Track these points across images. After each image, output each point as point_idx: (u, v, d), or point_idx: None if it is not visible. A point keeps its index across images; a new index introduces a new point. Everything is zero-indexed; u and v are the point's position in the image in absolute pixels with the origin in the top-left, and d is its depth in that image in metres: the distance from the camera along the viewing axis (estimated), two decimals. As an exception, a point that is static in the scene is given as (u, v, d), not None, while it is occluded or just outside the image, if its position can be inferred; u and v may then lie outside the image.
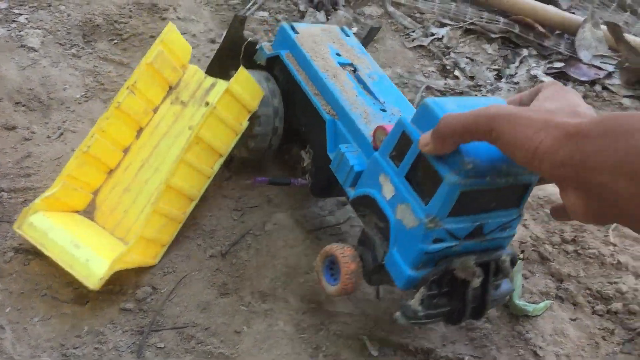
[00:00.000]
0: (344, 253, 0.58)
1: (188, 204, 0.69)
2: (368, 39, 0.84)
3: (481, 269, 0.54)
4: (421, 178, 0.52)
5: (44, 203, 0.66)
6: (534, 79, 1.18)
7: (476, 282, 0.54)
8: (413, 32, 1.24)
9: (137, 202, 0.70)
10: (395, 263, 0.54)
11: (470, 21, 1.29)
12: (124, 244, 0.67)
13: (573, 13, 1.35)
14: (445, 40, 1.25)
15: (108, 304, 0.63)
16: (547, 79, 1.18)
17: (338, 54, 0.73)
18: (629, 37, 1.26)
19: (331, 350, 0.63)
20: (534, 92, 0.55)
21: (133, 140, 0.74)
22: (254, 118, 0.72)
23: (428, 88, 1.10)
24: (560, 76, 1.20)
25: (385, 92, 0.69)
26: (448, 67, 1.18)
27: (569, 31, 1.30)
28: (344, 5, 1.25)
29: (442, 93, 1.11)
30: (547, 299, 0.73)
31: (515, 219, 0.56)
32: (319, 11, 1.21)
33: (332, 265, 0.60)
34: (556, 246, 0.81)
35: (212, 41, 1.06)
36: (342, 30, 0.79)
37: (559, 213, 0.58)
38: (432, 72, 1.17)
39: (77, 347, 0.59)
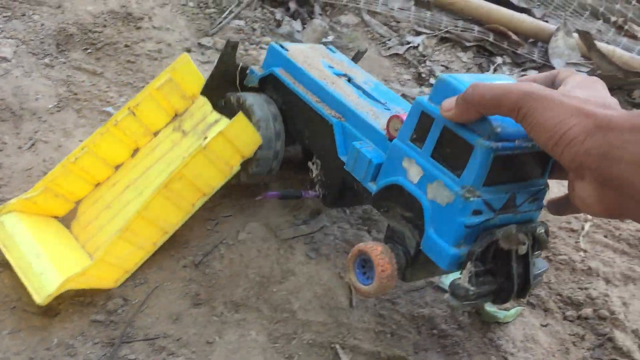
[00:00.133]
0: (377, 250, 0.56)
1: (160, 236, 0.68)
2: (355, 61, 0.85)
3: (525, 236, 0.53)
4: (449, 152, 0.52)
5: (19, 204, 0.66)
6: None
7: (523, 249, 0.53)
8: (389, 40, 1.25)
9: (113, 221, 0.70)
10: (434, 244, 0.53)
11: (446, 30, 1.30)
12: (90, 259, 0.67)
13: (546, 22, 1.37)
14: (420, 48, 1.26)
15: (78, 316, 0.63)
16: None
17: (330, 67, 0.74)
18: (601, 45, 1.28)
19: (303, 359, 0.63)
20: (549, 77, 0.55)
21: (127, 159, 0.74)
22: None
23: (404, 96, 1.11)
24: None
25: (383, 95, 0.70)
26: (423, 75, 1.19)
27: (543, 39, 1.32)
28: (320, 14, 1.26)
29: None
30: (518, 306, 0.73)
31: (542, 189, 0.56)
32: (295, 20, 1.21)
33: (364, 264, 0.58)
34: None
35: (188, 50, 1.06)
36: (329, 48, 0.80)
37: (557, 207, 0.57)
38: (408, 80, 1.18)
39: (46, 360, 0.59)
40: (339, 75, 0.72)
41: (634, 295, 0.80)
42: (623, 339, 0.73)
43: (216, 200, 0.78)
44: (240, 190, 0.80)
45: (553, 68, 1.25)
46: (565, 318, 0.75)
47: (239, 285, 0.68)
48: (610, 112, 0.41)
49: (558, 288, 0.78)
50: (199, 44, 1.08)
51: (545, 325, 0.73)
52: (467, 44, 1.29)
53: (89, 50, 0.98)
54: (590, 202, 0.44)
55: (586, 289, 0.79)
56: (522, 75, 1.24)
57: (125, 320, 0.63)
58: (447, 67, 1.23)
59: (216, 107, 0.76)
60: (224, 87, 0.77)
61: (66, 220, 0.72)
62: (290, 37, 1.17)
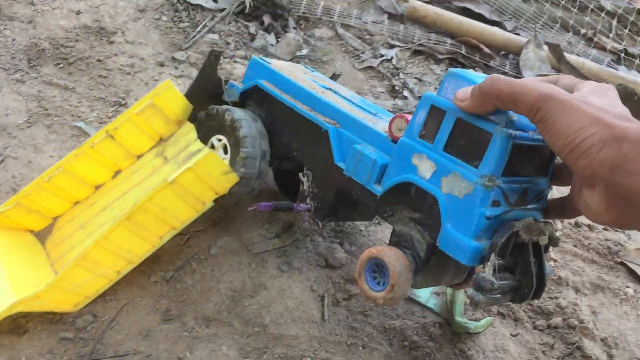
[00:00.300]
0: (390, 254, 0.54)
1: (124, 265, 0.66)
2: None
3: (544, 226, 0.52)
4: (464, 144, 0.51)
5: None
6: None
7: (544, 239, 0.52)
8: (363, 53, 1.26)
9: (84, 242, 0.69)
10: (453, 239, 0.51)
11: (419, 42, 1.31)
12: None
13: (518, 34, 1.39)
14: (394, 61, 1.27)
15: (47, 334, 0.62)
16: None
17: (314, 81, 0.74)
18: (570, 57, 1.30)
19: (275, 373, 0.63)
20: (550, 81, 0.54)
21: (108, 180, 0.74)
22: (239, 160, 0.68)
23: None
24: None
25: (370, 107, 0.70)
26: (397, 88, 1.20)
27: (514, 52, 1.34)
28: (294, 28, 1.27)
29: (392, 113, 1.13)
30: (488, 316, 0.74)
31: (546, 189, 0.55)
32: (269, 34, 1.22)
33: (375, 269, 0.56)
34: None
35: (161, 64, 1.06)
36: (306, 66, 0.81)
37: (557, 209, 0.56)
38: (382, 92, 1.19)
39: (14, 379, 0.58)
40: (324, 88, 0.72)
41: (603, 303, 0.82)
42: (592, 348, 0.74)
43: (188, 214, 0.78)
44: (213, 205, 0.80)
45: (524, 80, 1.26)
46: (535, 327, 0.75)
47: (210, 300, 0.68)
48: (628, 124, 0.42)
49: (528, 298, 0.79)
50: (173, 58, 1.08)
51: (516, 335, 0.73)
52: (440, 57, 1.30)
53: (61, 65, 0.97)
54: (598, 211, 0.45)
55: (556, 298, 0.80)
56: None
57: (95, 337, 0.62)
58: (420, 80, 1.25)
59: (194, 121, 0.75)
60: (203, 100, 0.75)
61: (42, 235, 0.71)
62: (264, 50, 1.17)
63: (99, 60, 1.00)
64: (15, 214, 0.68)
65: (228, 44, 1.16)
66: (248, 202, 0.82)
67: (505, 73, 1.29)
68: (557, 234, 0.91)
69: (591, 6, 1.48)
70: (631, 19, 1.50)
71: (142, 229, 0.64)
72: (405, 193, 0.56)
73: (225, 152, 0.71)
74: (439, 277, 0.59)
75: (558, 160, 0.55)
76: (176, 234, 0.75)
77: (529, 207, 0.54)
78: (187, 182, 0.64)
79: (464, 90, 0.50)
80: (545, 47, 1.31)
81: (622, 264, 0.89)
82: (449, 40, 1.34)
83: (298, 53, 1.19)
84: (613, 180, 0.42)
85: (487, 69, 1.30)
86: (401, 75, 1.24)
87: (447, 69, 1.29)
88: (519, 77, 1.28)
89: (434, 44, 1.32)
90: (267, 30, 1.23)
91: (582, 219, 0.96)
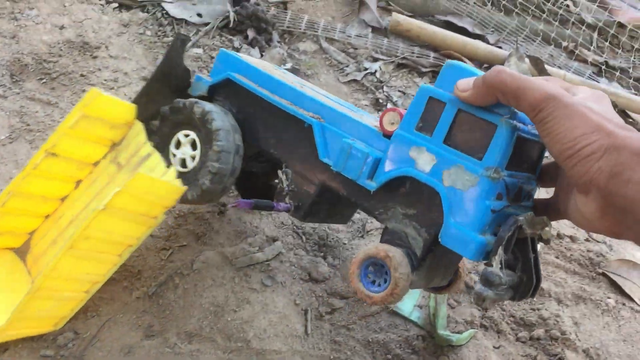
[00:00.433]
0: (391, 252, 0.52)
1: (89, 286, 0.64)
2: None
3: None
4: (466, 136, 0.51)
5: None
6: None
7: (547, 233, 0.51)
8: (347, 67, 1.27)
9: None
10: (458, 234, 0.50)
11: (402, 56, 1.33)
12: None
13: (500, 47, 1.41)
14: (378, 74, 1.28)
15: (28, 352, 0.62)
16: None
17: (287, 77, 0.71)
18: (552, 69, 1.31)
19: (257, 388, 0.63)
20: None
21: (71, 190, 0.71)
22: (212, 154, 0.64)
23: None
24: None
25: (343, 103, 0.69)
26: (381, 101, 1.21)
27: (496, 64, 1.35)
28: (278, 42, 1.28)
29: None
30: (471, 328, 0.74)
31: (534, 189, 0.55)
32: (253, 48, 1.22)
33: (371, 270, 0.54)
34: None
35: (145, 79, 1.06)
36: (273, 65, 0.79)
37: (538, 211, 0.55)
38: (366, 105, 1.20)
39: (-7, 398, 0.58)
40: (298, 83, 0.69)
41: (585, 314, 0.82)
42: (574, 359, 0.74)
43: (171, 229, 0.78)
44: (196, 219, 0.80)
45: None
46: (517, 339, 0.76)
47: (193, 316, 0.68)
48: (629, 133, 0.42)
49: (511, 309, 0.79)
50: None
51: (498, 347, 0.74)
52: (424, 70, 1.31)
53: (44, 80, 0.97)
54: (591, 218, 0.45)
55: (538, 309, 0.80)
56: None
57: (76, 354, 0.62)
58: (404, 93, 1.25)
59: (155, 117, 0.69)
60: (166, 93, 0.70)
61: (22, 252, 0.71)
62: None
63: (82, 75, 1.00)
64: None
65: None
66: (232, 213, 0.83)
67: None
68: (539, 246, 0.92)
69: (572, 19, 1.50)
70: (611, 31, 1.52)
71: (93, 252, 0.61)
72: (400, 188, 0.55)
73: (194, 148, 0.66)
74: (430, 278, 0.58)
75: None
76: (160, 249, 0.75)
77: (522, 204, 0.53)
78: (123, 203, 0.59)
79: (465, 81, 0.49)
80: (527, 59, 1.32)
81: (603, 274, 0.90)
82: (432, 54, 1.35)
83: (282, 67, 1.20)
84: (610, 188, 0.42)
85: (470, 81, 1.32)
86: (385, 88, 1.25)
87: (430, 82, 1.30)
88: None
89: (418, 57, 1.33)
90: (251, 44, 1.23)
91: (564, 230, 0.97)
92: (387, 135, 0.56)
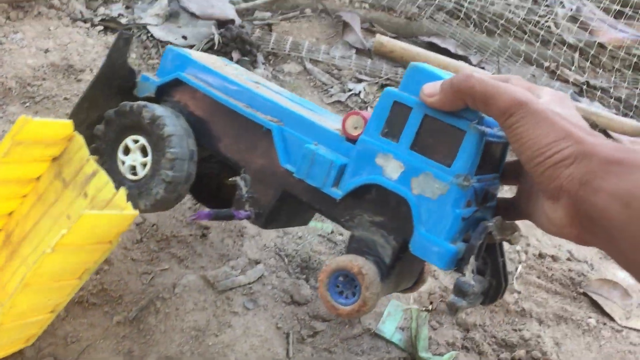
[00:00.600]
0: (364, 268, 0.51)
1: (54, 306, 0.63)
2: None
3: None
4: (433, 142, 0.49)
5: None
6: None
7: (517, 239, 0.51)
8: (331, 88, 1.28)
9: (14, 279, 0.66)
10: (429, 243, 0.49)
11: (386, 77, 1.34)
12: None
13: (483, 68, 1.42)
14: (362, 95, 1.29)
15: (6, 379, 0.61)
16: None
17: (240, 74, 0.66)
18: (533, 90, 1.33)
19: (238, 414, 0.63)
20: (500, 80, 0.51)
21: (17, 206, 0.69)
22: (165, 162, 0.60)
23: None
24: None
25: (304, 102, 0.66)
26: (365, 122, 1.22)
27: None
28: (263, 63, 1.29)
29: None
30: (453, 350, 0.75)
31: (498, 187, 0.54)
32: (238, 70, 1.23)
33: (339, 286, 0.53)
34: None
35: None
36: (223, 59, 0.73)
37: (499, 210, 0.55)
38: (350, 126, 1.21)
39: None
40: (253, 82, 0.65)
41: (566, 334, 0.83)
42: (555, 379, 0.74)
43: (153, 253, 0.78)
44: (178, 243, 0.80)
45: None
46: (499, 360, 0.76)
47: (174, 340, 0.68)
48: (598, 140, 0.42)
49: (492, 330, 0.80)
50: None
51: (479, 369, 0.74)
52: (407, 91, 1.33)
53: (27, 104, 0.98)
54: (559, 224, 0.45)
55: (520, 330, 0.81)
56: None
57: (55, 381, 0.62)
58: (387, 113, 1.27)
59: (100, 122, 0.65)
60: (110, 95, 0.66)
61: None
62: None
63: (65, 99, 1.00)
64: None
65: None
66: (215, 236, 0.83)
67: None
68: (521, 266, 0.92)
69: (554, 40, 1.52)
70: (592, 52, 1.54)
71: (50, 283, 0.59)
72: (366, 195, 0.53)
73: (145, 155, 0.62)
74: (398, 283, 0.57)
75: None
76: (141, 273, 0.75)
77: (487, 205, 0.53)
78: (72, 241, 0.56)
79: (431, 85, 0.48)
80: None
81: (584, 294, 0.91)
82: (415, 75, 1.36)
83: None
84: (580, 195, 0.42)
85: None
86: (369, 109, 1.26)
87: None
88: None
89: (401, 78, 1.35)
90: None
91: (546, 249, 0.98)
92: (351, 140, 0.54)
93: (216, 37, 1.25)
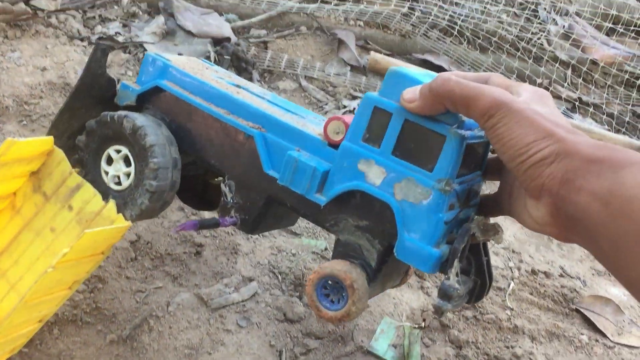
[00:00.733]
0: (343, 268, 0.52)
1: (41, 317, 0.63)
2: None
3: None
4: (415, 147, 0.50)
5: None
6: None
7: (499, 239, 0.51)
8: (326, 104, 1.29)
9: None
10: (413, 248, 0.49)
11: (380, 94, 1.35)
12: None
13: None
14: (356, 112, 1.30)
15: (-1, 398, 0.62)
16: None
17: (220, 78, 0.66)
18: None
19: None
20: (479, 80, 0.52)
21: None
22: (149, 172, 0.60)
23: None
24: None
25: (287, 104, 0.65)
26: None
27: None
28: (258, 81, 1.30)
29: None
30: (445, 367, 0.75)
31: (480, 184, 0.55)
32: (233, 87, 1.24)
33: (327, 290, 0.53)
34: (456, 312, 0.84)
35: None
36: (204, 61, 0.73)
37: (487, 206, 0.56)
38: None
39: None
40: (234, 85, 0.65)
41: (559, 351, 0.83)
42: (546, 396, 0.75)
43: (147, 271, 0.78)
44: (172, 260, 0.80)
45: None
46: (491, 377, 0.77)
47: (167, 359, 0.68)
48: (579, 138, 0.42)
49: (485, 347, 0.80)
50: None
51: (471, 386, 0.74)
52: (401, 107, 1.34)
53: (24, 122, 0.98)
54: (541, 222, 0.45)
55: (512, 347, 0.81)
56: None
57: (48, 400, 0.62)
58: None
59: (81, 132, 0.65)
60: (90, 105, 0.66)
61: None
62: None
63: (62, 117, 1.01)
64: None
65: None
66: (209, 254, 0.83)
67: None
68: (513, 283, 0.93)
69: (546, 57, 1.54)
70: (584, 68, 1.55)
71: (44, 297, 0.60)
72: (350, 200, 0.53)
73: (128, 165, 0.62)
74: (384, 284, 0.58)
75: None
76: (135, 291, 0.76)
77: (470, 204, 0.53)
78: (71, 257, 0.57)
79: (411, 90, 0.48)
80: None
81: (577, 311, 0.91)
82: (410, 91, 1.37)
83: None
84: (561, 194, 0.42)
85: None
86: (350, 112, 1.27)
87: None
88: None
89: (396, 95, 1.36)
90: (232, 83, 1.25)
91: (539, 266, 0.99)
92: (333, 145, 0.54)
93: (212, 55, 1.26)
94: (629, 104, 1.53)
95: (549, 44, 1.57)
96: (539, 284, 0.95)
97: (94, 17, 1.30)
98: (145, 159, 0.60)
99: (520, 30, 1.56)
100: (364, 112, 0.51)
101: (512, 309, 0.88)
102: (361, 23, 1.54)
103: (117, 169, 0.63)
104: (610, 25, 1.60)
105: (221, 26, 1.36)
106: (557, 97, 1.50)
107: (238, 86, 0.65)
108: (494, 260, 0.96)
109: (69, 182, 0.64)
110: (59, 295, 0.63)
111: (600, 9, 1.59)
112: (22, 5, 1.22)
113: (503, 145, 0.44)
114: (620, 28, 1.60)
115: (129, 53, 1.23)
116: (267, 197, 0.59)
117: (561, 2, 1.67)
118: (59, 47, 1.17)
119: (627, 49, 1.62)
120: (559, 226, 0.45)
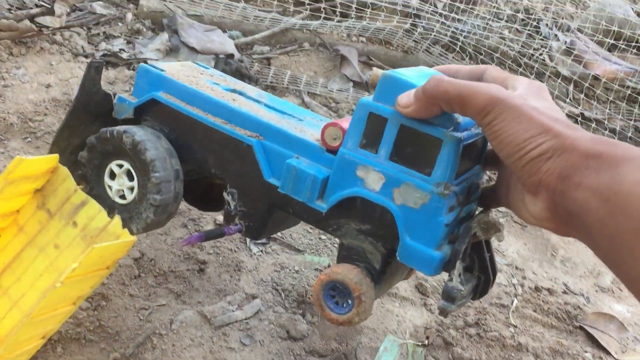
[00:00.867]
0: (355, 279, 0.52)
1: (44, 333, 0.64)
2: (217, 68, 0.76)
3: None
4: (412, 151, 0.50)
5: None
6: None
7: (501, 236, 0.51)
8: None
9: None
10: (415, 251, 0.50)
11: (383, 110, 1.36)
12: None
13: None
14: (359, 128, 1.31)
15: (2, 417, 0.62)
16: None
17: (215, 83, 0.66)
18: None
19: None
20: (475, 72, 0.53)
21: None
22: (151, 186, 0.60)
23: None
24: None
25: (284, 106, 0.65)
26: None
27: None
28: (261, 97, 1.31)
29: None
30: (448, 385, 0.75)
31: (481, 176, 0.55)
32: (236, 103, 1.25)
33: (334, 292, 0.54)
34: (460, 330, 0.84)
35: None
36: (197, 63, 0.72)
37: (485, 198, 0.56)
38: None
39: None
40: (229, 91, 0.65)
41: (562, 369, 0.83)
42: (551, 415, 0.74)
43: (150, 288, 0.78)
44: (176, 278, 0.80)
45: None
46: (495, 396, 0.76)
47: (170, 377, 0.68)
48: (577, 133, 0.42)
49: (488, 365, 0.80)
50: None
51: (475, 405, 0.74)
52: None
53: (28, 139, 0.99)
54: (539, 217, 0.45)
55: (516, 365, 0.81)
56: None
57: (51, 419, 0.62)
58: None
59: (82, 148, 0.65)
60: (89, 121, 0.67)
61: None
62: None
63: (66, 133, 1.02)
64: None
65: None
66: (212, 271, 0.83)
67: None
68: (517, 300, 0.93)
69: (548, 73, 1.55)
70: (587, 84, 1.56)
71: (50, 313, 0.60)
72: (351, 206, 0.54)
73: (131, 179, 0.63)
74: (390, 283, 0.58)
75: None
76: (138, 309, 0.76)
77: (471, 199, 0.53)
78: (79, 272, 0.58)
79: (405, 95, 0.48)
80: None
81: (581, 328, 0.91)
82: (412, 107, 1.38)
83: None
84: (560, 190, 0.42)
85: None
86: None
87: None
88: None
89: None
90: (235, 99, 1.26)
91: (542, 282, 0.98)
92: (331, 151, 0.55)
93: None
94: (631, 120, 1.53)
95: (551, 60, 1.58)
96: (543, 300, 0.94)
97: (98, 34, 1.31)
98: (147, 174, 0.60)
99: (522, 46, 1.57)
100: (360, 118, 0.51)
101: (515, 327, 0.87)
102: (364, 39, 1.55)
103: (120, 183, 0.63)
104: (612, 41, 1.61)
105: (224, 43, 1.37)
106: (559, 112, 1.51)
107: (234, 90, 0.65)
108: (497, 277, 0.96)
109: (73, 199, 0.65)
110: (63, 311, 0.63)
111: (602, 25, 1.60)
112: (27, 22, 1.23)
113: (500, 142, 0.44)
114: (622, 44, 1.61)
115: (133, 69, 1.23)
116: (269, 204, 0.59)
117: (563, 18, 1.68)
118: (64, 64, 1.18)
119: (629, 64, 1.63)
120: (557, 221, 0.44)
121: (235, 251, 0.87)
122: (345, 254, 0.55)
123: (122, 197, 0.63)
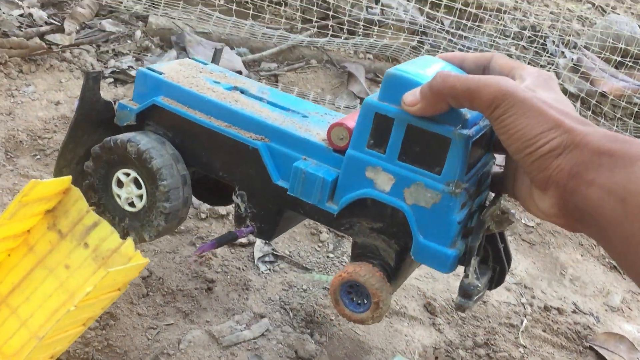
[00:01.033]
0: (362, 272, 0.52)
1: (52, 353, 0.64)
2: (215, 61, 0.76)
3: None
4: (420, 151, 0.49)
5: None
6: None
7: (515, 227, 0.50)
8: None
9: (2, 329, 0.66)
10: (430, 250, 0.50)
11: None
12: None
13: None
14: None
15: None
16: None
17: (216, 82, 0.65)
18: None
19: None
20: (481, 59, 0.52)
21: (5, 258, 0.69)
22: (160, 194, 0.60)
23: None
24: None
25: (287, 101, 0.63)
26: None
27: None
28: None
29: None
30: (458, 407, 0.74)
31: (491, 163, 0.54)
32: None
33: (350, 291, 0.54)
34: (469, 350, 0.84)
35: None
36: (196, 60, 0.71)
37: (497, 184, 0.55)
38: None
39: None
40: (230, 89, 0.64)
41: (573, 390, 0.82)
42: None
43: (158, 307, 0.78)
44: (184, 297, 0.80)
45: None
46: (505, 418, 0.76)
47: (178, 398, 0.68)
48: (588, 129, 0.41)
49: (498, 387, 0.79)
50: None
51: None
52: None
53: (38, 157, 0.99)
54: (548, 213, 0.44)
55: (526, 386, 0.80)
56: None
57: None
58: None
59: (86, 158, 0.65)
60: (92, 131, 0.66)
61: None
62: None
63: (75, 151, 1.02)
64: None
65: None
66: (220, 290, 0.83)
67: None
68: (526, 320, 0.92)
69: (555, 89, 1.55)
70: (593, 101, 1.56)
71: (61, 333, 0.61)
72: (362, 205, 0.53)
73: (139, 187, 0.62)
74: (405, 277, 0.58)
75: None
76: (147, 328, 0.75)
77: (482, 188, 0.53)
78: (92, 295, 0.58)
79: (411, 93, 0.47)
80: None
81: (591, 348, 0.90)
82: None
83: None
84: (570, 187, 0.41)
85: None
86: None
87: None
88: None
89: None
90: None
91: (552, 302, 0.98)
92: (338, 151, 0.54)
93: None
94: (638, 136, 1.53)
95: (558, 77, 1.58)
96: (552, 320, 0.94)
97: (107, 51, 1.32)
98: (155, 182, 0.60)
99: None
100: (366, 119, 0.50)
101: (525, 347, 0.87)
102: (370, 56, 1.55)
103: (128, 191, 0.63)
104: (619, 58, 1.61)
105: (232, 60, 1.37)
106: (566, 129, 1.51)
107: (235, 88, 0.64)
108: (506, 297, 0.95)
109: (85, 220, 0.65)
110: (73, 332, 0.63)
111: (609, 42, 1.60)
112: (37, 40, 1.24)
113: (509, 137, 0.43)
114: (629, 61, 1.61)
115: (142, 87, 1.24)
116: (279, 205, 0.59)
117: (570, 36, 1.68)
118: (73, 82, 1.19)
119: (635, 81, 1.63)
120: (567, 217, 0.44)
121: (243, 270, 0.87)
122: (360, 252, 0.55)
123: (132, 204, 0.63)
